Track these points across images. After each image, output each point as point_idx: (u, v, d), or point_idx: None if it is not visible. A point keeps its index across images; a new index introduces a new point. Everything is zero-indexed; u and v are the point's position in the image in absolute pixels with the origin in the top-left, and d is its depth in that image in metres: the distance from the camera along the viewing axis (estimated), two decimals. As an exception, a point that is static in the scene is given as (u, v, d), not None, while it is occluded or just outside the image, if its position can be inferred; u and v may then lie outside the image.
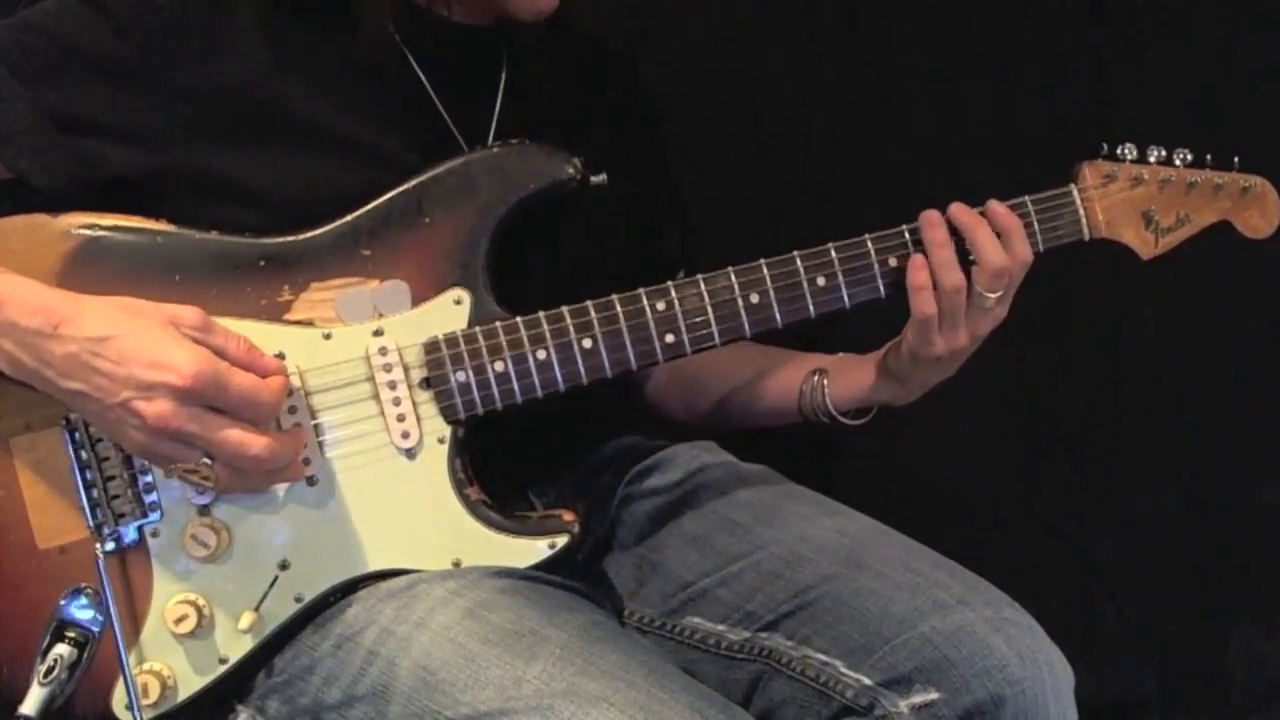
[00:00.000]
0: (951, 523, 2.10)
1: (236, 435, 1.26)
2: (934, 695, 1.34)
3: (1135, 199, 1.52)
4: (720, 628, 1.47)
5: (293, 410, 1.36)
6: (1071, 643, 1.43)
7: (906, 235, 1.47)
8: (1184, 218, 1.54)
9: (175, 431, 1.24)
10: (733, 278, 1.44)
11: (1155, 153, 1.52)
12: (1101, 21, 2.11)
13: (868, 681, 1.37)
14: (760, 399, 1.65)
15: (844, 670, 1.39)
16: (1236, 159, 1.55)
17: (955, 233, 1.45)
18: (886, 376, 1.53)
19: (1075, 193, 1.51)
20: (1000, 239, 1.44)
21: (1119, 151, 1.52)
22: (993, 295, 1.44)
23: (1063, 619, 1.48)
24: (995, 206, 1.46)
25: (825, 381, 1.57)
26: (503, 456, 1.43)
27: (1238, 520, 2.22)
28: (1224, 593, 2.23)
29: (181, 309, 1.28)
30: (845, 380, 1.57)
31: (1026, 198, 1.49)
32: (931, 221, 1.45)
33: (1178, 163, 1.53)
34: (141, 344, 1.24)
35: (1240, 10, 2.11)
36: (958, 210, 1.46)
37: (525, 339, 1.40)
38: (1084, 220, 1.51)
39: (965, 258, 1.45)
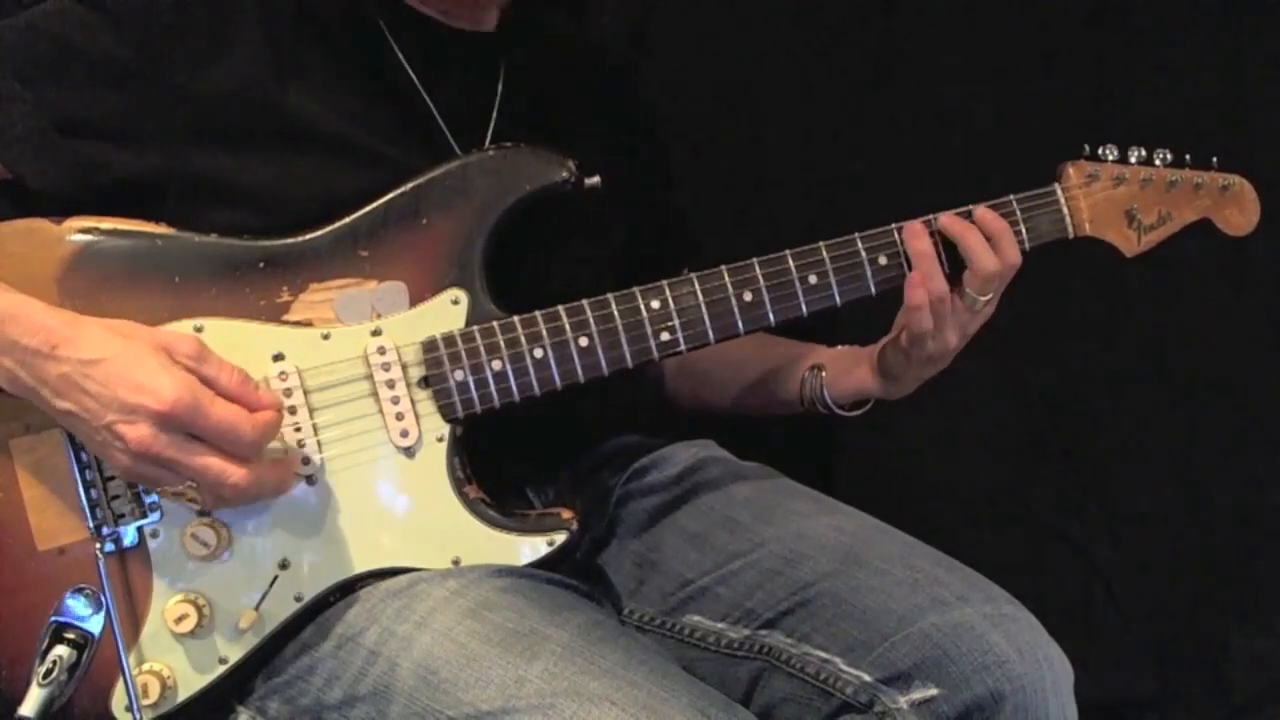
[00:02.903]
0: (951, 522, 2.10)
1: (216, 465, 1.26)
2: (934, 691, 1.34)
3: (1118, 198, 1.56)
4: (720, 625, 1.48)
5: (292, 411, 1.37)
6: (1071, 643, 1.43)
7: (896, 235, 1.49)
8: (1165, 216, 1.58)
9: (155, 456, 1.24)
10: (726, 276, 1.45)
11: (1136, 153, 1.56)
12: (1101, 21, 2.12)
13: (867, 678, 1.37)
14: (764, 390, 1.69)
15: (844, 667, 1.39)
16: (1215, 159, 1.58)
17: (945, 240, 1.48)
18: (881, 374, 1.57)
19: (1059, 192, 1.54)
20: (990, 243, 1.48)
21: (1101, 152, 1.55)
22: (983, 298, 1.48)
23: (1063, 619, 1.48)
24: (983, 212, 1.49)
25: (824, 376, 1.60)
26: (501, 455, 1.44)
27: (1238, 520, 2.23)
28: (1224, 593, 2.23)
29: (178, 337, 1.29)
30: (843, 376, 1.60)
31: (1012, 196, 1.52)
32: (915, 232, 1.48)
33: (1158, 162, 1.57)
34: (128, 368, 1.24)
35: (1240, 10, 2.11)
36: (948, 220, 1.48)
37: (522, 338, 1.41)
38: (1068, 219, 1.54)
39: (955, 262, 1.48)
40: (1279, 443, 2.22)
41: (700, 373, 1.75)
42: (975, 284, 1.47)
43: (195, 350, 1.28)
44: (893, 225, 1.49)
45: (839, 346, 1.64)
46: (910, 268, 1.48)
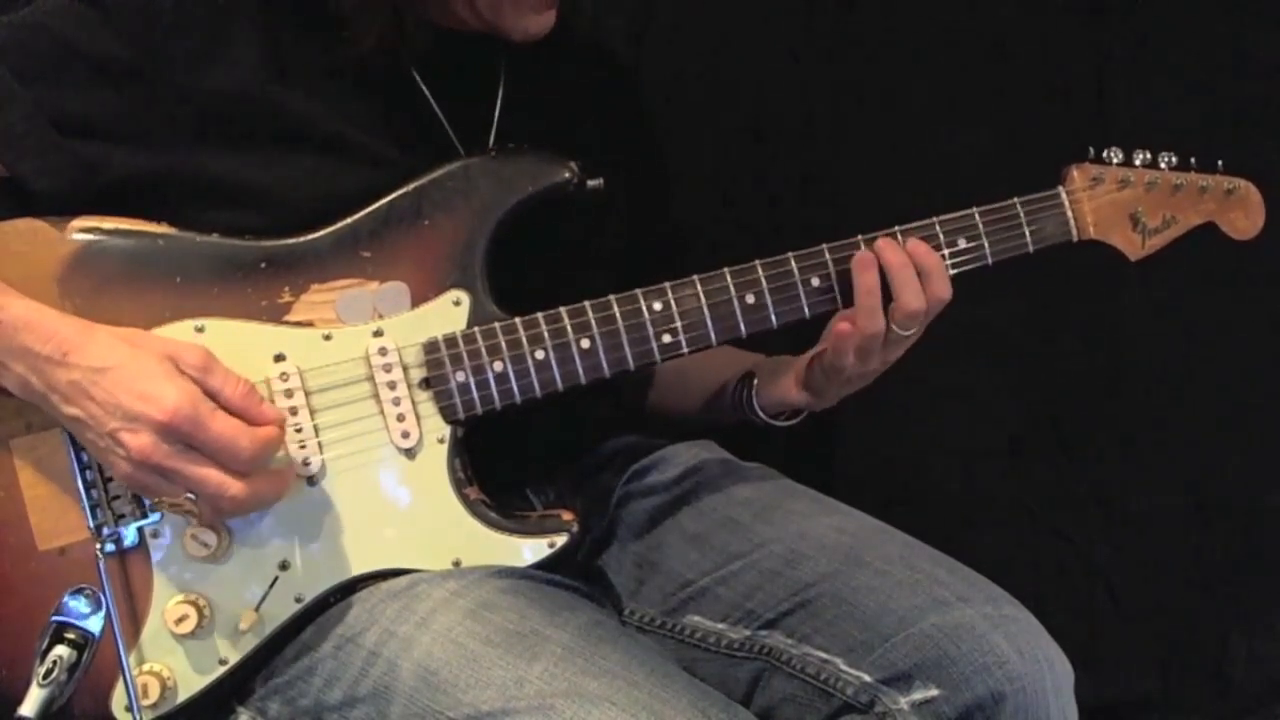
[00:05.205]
0: (951, 522, 2.10)
1: (216, 476, 1.26)
2: (934, 692, 1.34)
3: (1122, 201, 1.55)
4: (720, 626, 1.48)
5: (294, 411, 1.37)
6: (1071, 643, 1.43)
7: (899, 237, 1.47)
8: (1170, 219, 1.57)
9: (156, 465, 1.25)
10: (728, 278, 1.45)
11: (1141, 155, 1.55)
12: (1101, 21, 2.12)
13: (868, 679, 1.37)
14: (708, 399, 1.68)
15: (844, 668, 1.39)
16: (1220, 162, 1.57)
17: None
18: (804, 387, 1.55)
19: (1064, 195, 1.54)
20: (920, 278, 1.45)
21: (1105, 155, 1.54)
22: (906, 332, 1.46)
23: (1063, 619, 1.49)
24: (915, 245, 1.47)
25: (755, 384, 1.59)
26: (502, 456, 1.44)
27: (1238, 521, 2.23)
28: (1224, 593, 2.23)
29: (186, 347, 1.29)
30: (771, 386, 1.59)
31: (1015, 199, 1.51)
32: (865, 264, 1.45)
33: (1163, 165, 1.56)
34: (134, 376, 1.25)
35: (1241, 9, 2.11)
36: (885, 248, 1.46)
37: (524, 339, 1.41)
38: (1072, 222, 1.54)
39: (883, 289, 1.46)
40: (1279, 443, 2.22)
41: (656, 379, 1.74)
42: (899, 318, 1.45)
43: (202, 361, 1.28)
44: (896, 228, 1.47)
45: (775, 356, 1.62)
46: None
